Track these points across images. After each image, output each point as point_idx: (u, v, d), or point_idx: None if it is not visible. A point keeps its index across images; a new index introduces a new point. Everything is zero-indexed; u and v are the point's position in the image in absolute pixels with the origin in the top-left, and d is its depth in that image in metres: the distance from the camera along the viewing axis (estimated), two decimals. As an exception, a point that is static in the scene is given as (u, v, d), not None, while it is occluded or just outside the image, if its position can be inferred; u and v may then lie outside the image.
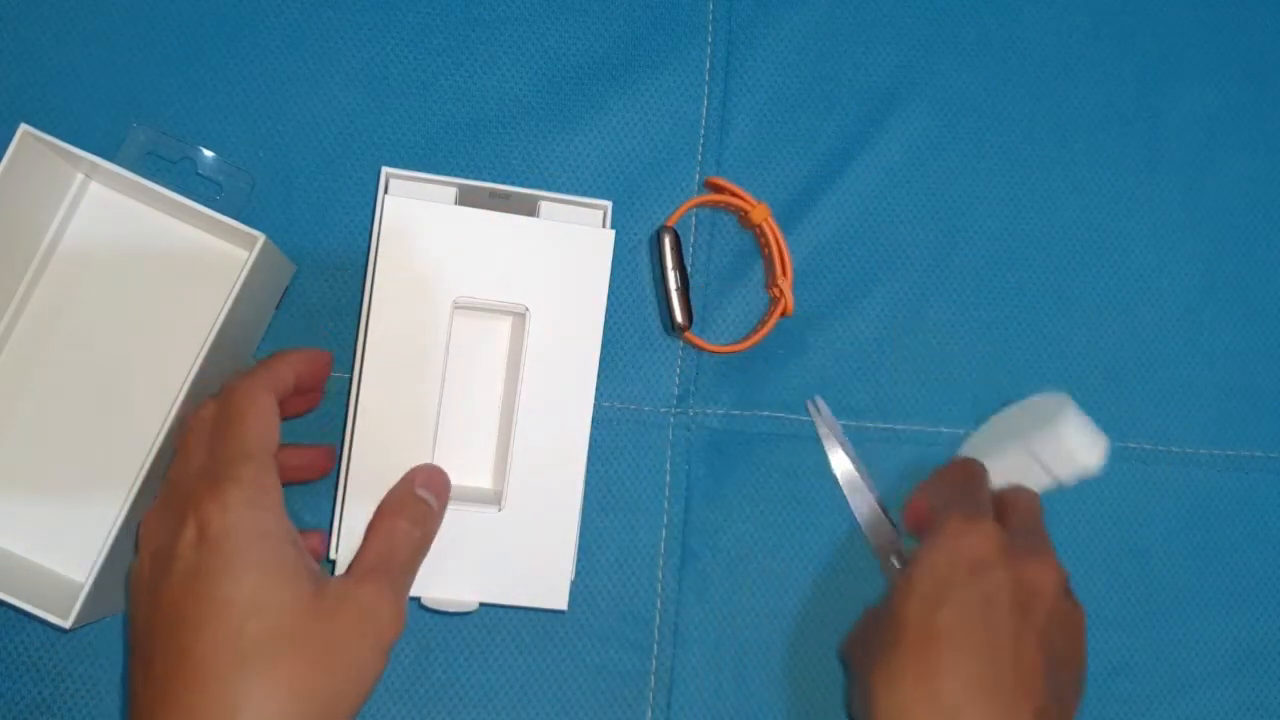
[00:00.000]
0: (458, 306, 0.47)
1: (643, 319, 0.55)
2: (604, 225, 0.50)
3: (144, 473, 0.45)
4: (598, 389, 0.49)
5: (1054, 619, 0.45)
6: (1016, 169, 0.57)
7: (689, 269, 0.55)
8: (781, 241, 0.54)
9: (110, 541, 0.44)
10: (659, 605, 0.53)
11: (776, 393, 0.55)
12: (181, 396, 0.45)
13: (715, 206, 0.56)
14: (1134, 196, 0.57)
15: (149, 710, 0.38)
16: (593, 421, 0.48)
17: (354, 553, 0.44)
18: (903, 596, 0.45)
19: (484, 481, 0.51)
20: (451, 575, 0.47)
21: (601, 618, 0.52)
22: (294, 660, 0.38)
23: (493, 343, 0.51)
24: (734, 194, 0.54)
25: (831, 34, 0.58)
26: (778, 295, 0.54)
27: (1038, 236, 0.57)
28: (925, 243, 0.56)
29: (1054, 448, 0.50)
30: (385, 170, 0.49)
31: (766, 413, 0.54)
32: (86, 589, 0.44)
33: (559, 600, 0.48)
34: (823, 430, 0.54)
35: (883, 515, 0.53)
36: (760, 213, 0.54)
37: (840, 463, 0.54)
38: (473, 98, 0.56)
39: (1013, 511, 0.49)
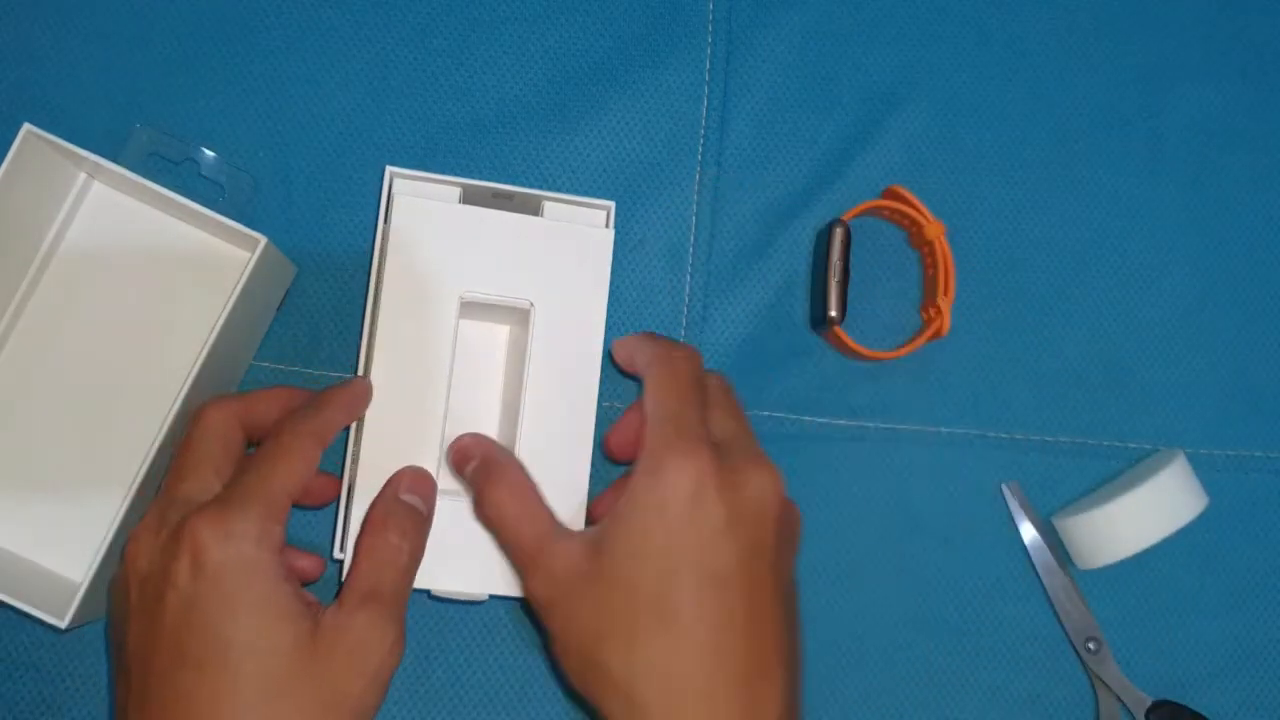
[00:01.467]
0: (464, 303, 0.47)
1: (644, 318, 0.55)
2: (607, 225, 0.50)
3: (143, 473, 0.45)
4: (600, 389, 0.49)
5: (782, 539, 0.42)
6: (1016, 169, 0.57)
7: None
8: (950, 262, 0.53)
9: (108, 541, 0.44)
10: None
11: (778, 394, 0.55)
12: (181, 397, 0.45)
13: (886, 217, 0.56)
14: (1134, 196, 0.57)
15: None
16: (596, 420, 0.48)
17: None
18: (620, 556, 0.41)
19: None
20: (461, 567, 0.46)
21: (601, 617, 0.52)
22: (292, 703, 0.38)
23: (495, 341, 0.52)
24: (914, 207, 0.54)
25: (831, 34, 0.58)
26: (934, 315, 0.53)
27: (1038, 236, 0.57)
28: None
29: (1153, 499, 0.50)
30: (390, 170, 0.49)
31: (766, 412, 0.54)
32: (84, 589, 0.44)
33: None
34: (1017, 513, 0.54)
35: (1078, 598, 0.53)
36: (935, 229, 0.53)
37: (1034, 544, 0.54)
38: (473, 98, 0.56)
39: (717, 408, 0.45)
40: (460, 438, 0.47)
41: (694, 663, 0.40)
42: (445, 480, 0.47)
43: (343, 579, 0.44)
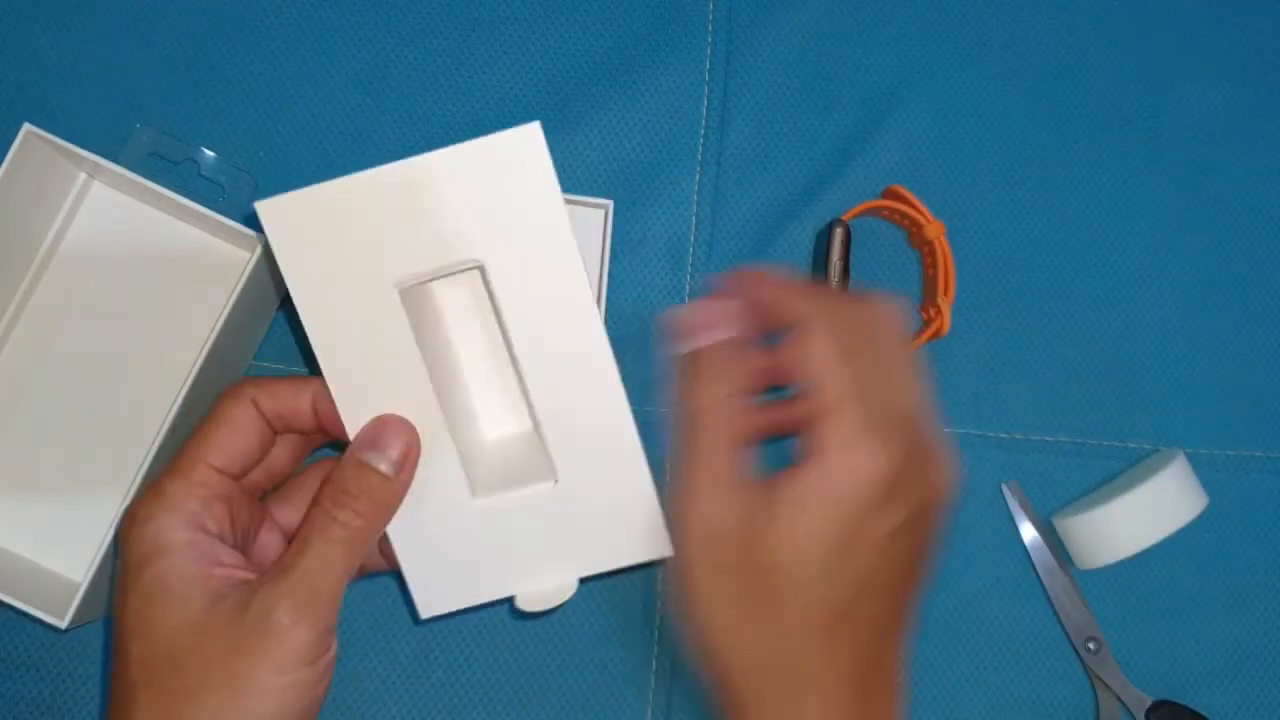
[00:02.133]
0: (402, 289, 0.40)
1: (644, 318, 0.55)
2: (605, 225, 0.50)
3: (142, 473, 0.45)
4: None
5: (932, 545, 0.39)
6: (1016, 169, 0.57)
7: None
8: (950, 262, 0.53)
9: (108, 541, 0.44)
10: (659, 605, 0.52)
11: (777, 393, 0.55)
12: (181, 397, 0.45)
13: (886, 217, 0.56)
14: (1134, 196, 0.57)
15: None
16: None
17: None
18: (782, 537, 0.36)
19: (522, 453, 0.44)
20: (537, 566, 0.42)
21: (601, 618, 0.52)
22: (174, 685, 0.35)
23: (464, 304, 0.44)
24: (914, 207, 0.54)
25: (831, 34, 0.58)
26: (934, 315, 0.53)
27: (1038, 236, 0.57)
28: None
29: (1153, 499, 0.50)
30: None
31: (766, 413, 0.54)
32: (83, 589, 0.44)
33: (662, 546, 0.41)
34: (1017, 513, 0.54)
35: (1078, 598, 0.53)
36: (935, 229, 0.53)
37: (1034, 544, 0.54)
38: (472, 98, 0.56)
39: (890, 371, 0.39)
40: (698, 304, 0.40)
41: (823, 658, 0.37)
42: (486, 477, 0.42)
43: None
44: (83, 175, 0.52)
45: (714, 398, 0.38)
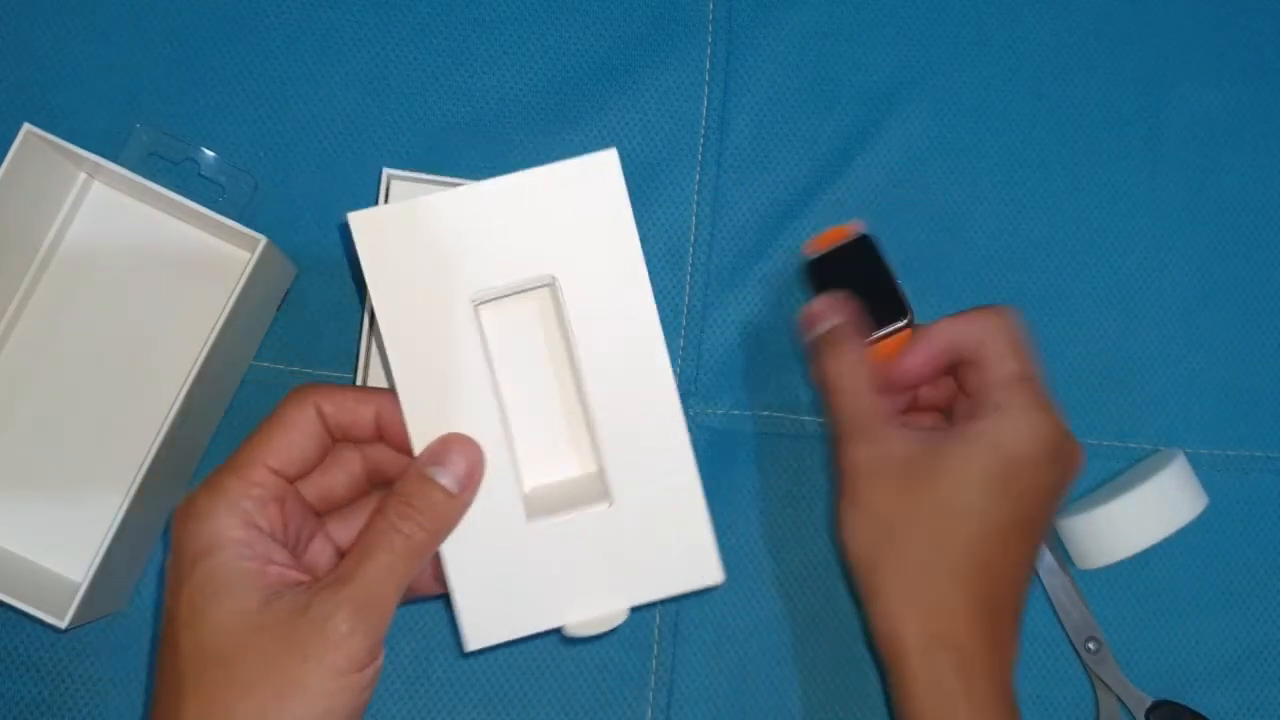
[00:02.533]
0: (479, 303, 0.41)
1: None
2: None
3: (143, 473, 0.45)
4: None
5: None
6: (1016, 169, 0.57)
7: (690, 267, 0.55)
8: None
9: (108, 541, 0.44)
10: (659, 605, 0.52)
11: (777, 392, 0.55)
12: (181, 398, 0.45)
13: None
14: (1134, 196, 0.57)
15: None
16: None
17: None
18: (954, 468, 0.45)
19: (573, 471, 0.44)
20: (587, 592, 0.41)
21: (601, 617, 0.52)
22: (223, 679, 0.35)
23: (531, 325, 0.43)
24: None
25: (831, 34, 0.58)
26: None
27: (1038, 236, 0.57)
28: (925, 243, 0.56)
29: (1153, 499, 0.50)
30: (386, 171, 0.49)
31: (766, 412, 0.54)
32: (83, 589, 0.44)
33: (713, 573, 0.42)
34: None
35: (1078, 598, 0.53)
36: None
37: None
38: (473, 98, 0.56)
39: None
40: (813, 301, 0.49)
41: (969, 585, 0.44)
42: (540, 500, 0.42)
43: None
44: (83, 175, 0.52)
45: (847, 361, 0.47)
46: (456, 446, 0.40)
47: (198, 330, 0.50)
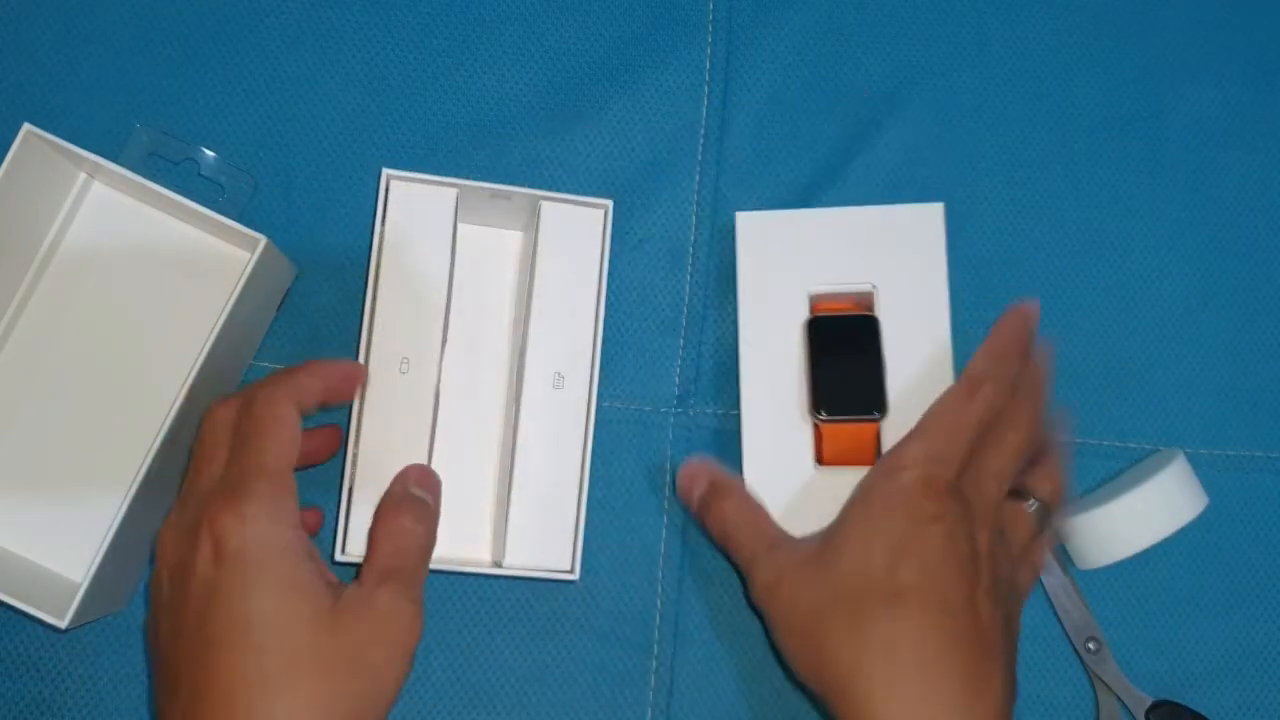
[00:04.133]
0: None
1: (644, 318, 0.55)
2: (604, 226, 0.50)
3: (143, 473, 0.45)
4: (599, 390, 0.49)
5: (1001, 556, 0.45)
6: (1016, 169, 0.57)
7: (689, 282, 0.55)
8: None
9: (108, 541, 0.44)
10: (659, 605, 0.53)
11: (776, 393, 0.55)
12: (181, 397, 0.45)
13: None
14: (1134, 196, 0.57)
15: None
16: (594, 422, 0.49)
17: (360, 554, 0.45)
18: (852, 540, 0.44)
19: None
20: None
21: (601, 618, 0.52)
22: (317, 676, 0.38)
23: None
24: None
25: (831, 34, 0.58)
26: None
27: (1038, 236, 0.57)
28: (925, 243, 0.56)
29: (1153, 499, 0.50)
30: (386, 172, 0.49)
31: (766, 413, 0.54)
32: (83, 589, 0.44)
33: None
34: None
35: (1078, 598, 0.53)
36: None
37: None
38: (473, 98, 0.56)
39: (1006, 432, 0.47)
40: (687, 463, 0.51)
41: (917, 641, 0.42)
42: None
43: (362, 564, 0.43)
44: (83, 175, 0.52)
45: (740, 502, 0.50)
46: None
47: (198, 330, 0.50)
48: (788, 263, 0.52)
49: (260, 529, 0.39)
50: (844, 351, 0.51)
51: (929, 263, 0.51)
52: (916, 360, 0.50)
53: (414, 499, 0.45)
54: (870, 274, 0.51)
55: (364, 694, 0.39)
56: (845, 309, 0.52)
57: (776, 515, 0.49)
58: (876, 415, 0.50)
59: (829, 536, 0.46)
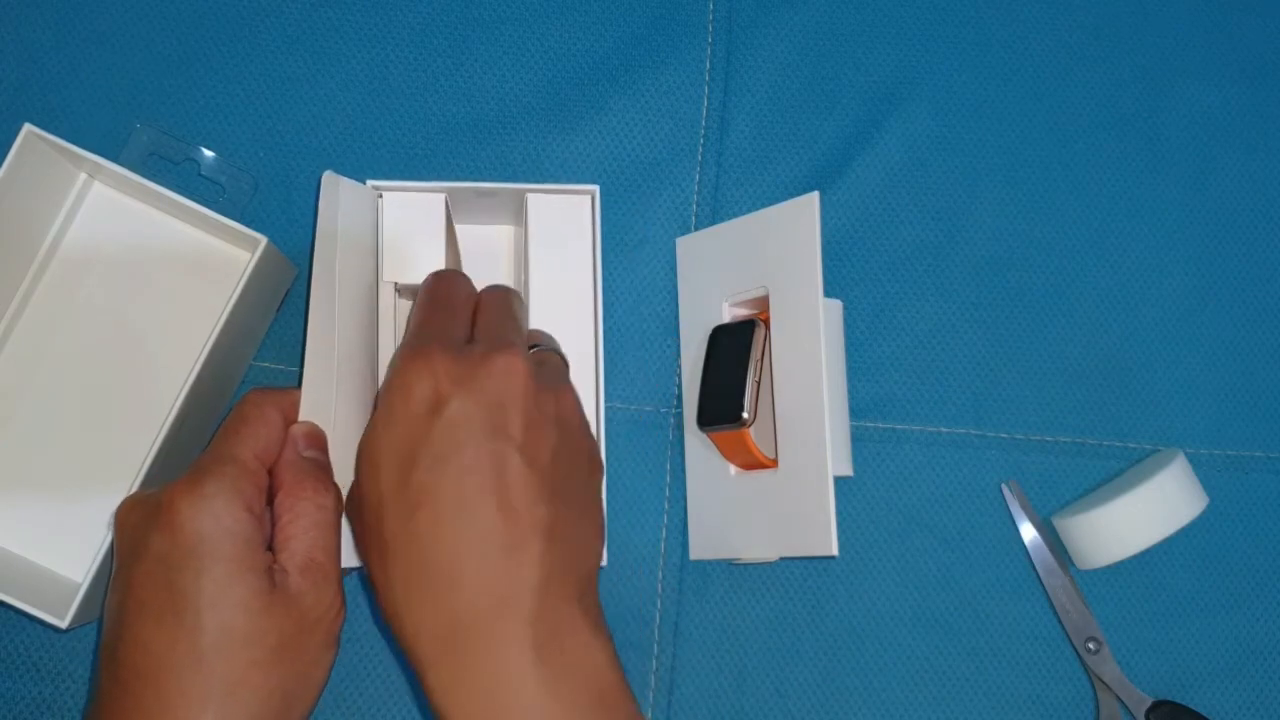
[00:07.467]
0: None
1: (643, 318, 0.55)
2: (592, 210, 0.50)
3: (143, 473, 0.45)
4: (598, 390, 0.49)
5: (532, 421, 0.41)
6: (1016, 169, 0.57)
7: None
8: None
9: (108, 541, 0.44)
10: (659, 605, 0.53)
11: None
12: (181, 398, 0.45)
13: None
14: (1134, 196, 0.57)
15: (108, 698, 0.39)
16: (603, 421, 0.48)
17: None
18: (366, 471, 0.41)
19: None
20: (758, 536, 0.49)
21: (601, 617, 0.52)
22: (249, 657, 0.38)
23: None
24: None
25: (831, 34, 0.58)
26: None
27: (1038, 236, 0.57)
28: (925, 243, 0.56)
29: (1153, 499, 0.50)
30: (370, 183, 0.48)
31: (766, 413, 0.54)
32: (84, 589, 0.44)
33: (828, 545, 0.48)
34: (1017, 513, 0.54)
35: (1078, 598, 0.53)
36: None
37: (1034, 544, 0.54)
38: (472, 98, 0.56)
39: (481, 314, 0.44)
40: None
41: (435, 541, 0.39)
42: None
43: (274, 541, 0.42)
44: (83, 175, 0.52)
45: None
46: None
47: (198, 330, 0.50)
48: (710, 279, 0.53)
49: (214, 507, 0.39)
50: (723, 361, 0.51)
51: (807, 256, 0.48)
52: (796, 357, 0.48)
53: (310, 465, 0.43)
54: (764, 277, 0.50)
55: (293, 679, 0.40)
56: (749, 316, 0.52)
57: (711, 521, 0.52)
58: (737, 424, 0.49)
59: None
